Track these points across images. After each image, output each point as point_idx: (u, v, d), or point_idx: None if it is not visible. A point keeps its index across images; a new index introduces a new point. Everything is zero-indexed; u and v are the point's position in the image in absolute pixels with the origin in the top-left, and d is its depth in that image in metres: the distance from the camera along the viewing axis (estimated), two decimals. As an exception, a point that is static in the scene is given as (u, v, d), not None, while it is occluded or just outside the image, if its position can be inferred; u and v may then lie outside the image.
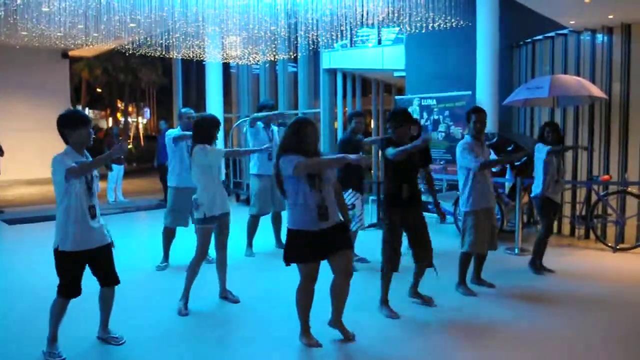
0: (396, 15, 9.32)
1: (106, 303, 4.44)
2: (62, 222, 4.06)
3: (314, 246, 4.17)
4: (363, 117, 6.83)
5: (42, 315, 4.24)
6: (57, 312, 4.19)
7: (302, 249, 4.19)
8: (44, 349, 4.19)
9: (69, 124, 4.09)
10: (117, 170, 12.52)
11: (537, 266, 6.51)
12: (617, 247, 7.56)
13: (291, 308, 5.06)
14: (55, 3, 8.85)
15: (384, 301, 5.09)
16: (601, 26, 8.55)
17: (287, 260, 4.26)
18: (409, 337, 4.56)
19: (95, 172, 4.22)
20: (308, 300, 4.32)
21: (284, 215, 7.74)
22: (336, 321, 4.45)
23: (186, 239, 6.56)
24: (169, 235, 6.83)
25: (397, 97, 11.28)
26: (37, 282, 6.01)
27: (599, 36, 8.66)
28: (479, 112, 5.69)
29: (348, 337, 4.42)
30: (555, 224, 8.36)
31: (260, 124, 7.62)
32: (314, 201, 4.14)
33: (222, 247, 5.43)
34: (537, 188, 6.50)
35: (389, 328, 4.74)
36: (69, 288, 4.15)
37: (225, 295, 5.49)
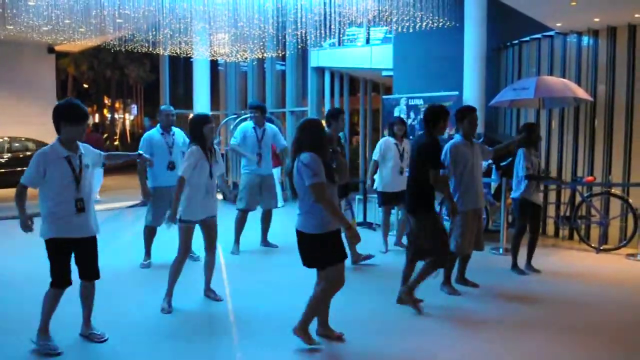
0: (385, 14, 9.34)
1: (87, 298, 4.40)
2: (43, 212, 4.10)
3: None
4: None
5: (27, 309, 4.20)
6: (49, 303, 4.18)
7: (339, 248, 4.18)
8: (33, 339, 4.16)
9: (67, 118, 4.08)
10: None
11: (517, 267, 6.56)
12: (601, 247, 7.64)
13: (274, 307, 5.08)
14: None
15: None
16: (587, 29, 8.62)
17: (329, 263, 4.16)
18: (393, 337, 4.58)
19: (87, 162, 4.22)
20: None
21: (276, 213, 7.84)
22: (325, 328, 4.45)
23: (169, 237, 6.53)
24: (150, 233, 6.80)
25: (384, 96, 11.30)
26: (25, 277, 5.97)
27: (585, 39, 8.73)
28: (473, 112, 5.73)
29: (338, 338, 4.40)
30: (541, 224, 8.41)
31: (250, 124, 7.62)
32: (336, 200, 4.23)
33: (209, 248, 5.39)
34: (515, 190, 6.58)
35: (372, 328, 4.75)
36: (58, 277, 4.15)
37: (208, 294, 5.47)
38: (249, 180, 7.51)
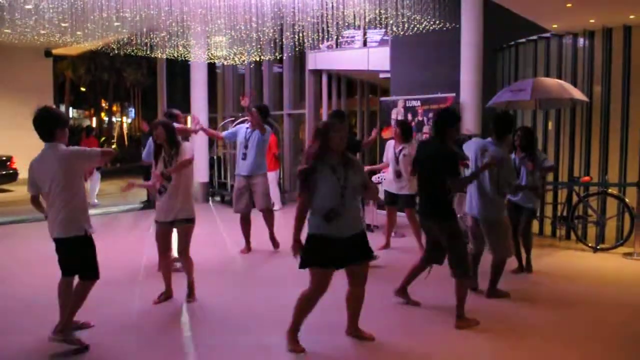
0: (382, 17, 9.37)
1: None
2: (84, 208, 4.30)
3: (333, 253, 4.10)
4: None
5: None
6: (84, 296, 4.32)
7: (320, 254, 4.11)
8: (58, 337, 4.20)
9: (62, 122, 4.25)
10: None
11: (520, 266, 6.61)
12: (598, 247, 7.67)
13: (278, 311, 5.08)
14: (42, 3, 8.79)
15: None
16: (582, 30, 8.66)
17: (304, 264, 4.15)
18: (393, 336, 4.61)
19: None
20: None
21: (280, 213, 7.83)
22: (355, 328, 4.46)
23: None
24: None
25: (382, 98, 11.34)
26: (20, 282, 5.98)
27: (581, 40, 8.78)
28: None
29: (368, 338, 4.44)
30: (537, 224, 8.42)
31: (247, 124, 7.65)
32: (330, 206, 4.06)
33: (180, 252, 5.37)
34: None
35: (371, 328, 4.76)
36: (97, 268, 4.36)
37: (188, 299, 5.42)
38: (236, 183, 7.64)
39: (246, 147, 7.47)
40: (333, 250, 4.08)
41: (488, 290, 5.62)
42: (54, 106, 4.37)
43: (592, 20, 8.27)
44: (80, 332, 4.49)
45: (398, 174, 7.43)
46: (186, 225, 5.28)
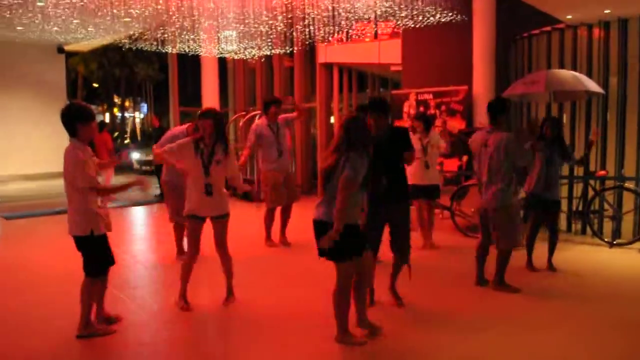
0: (393, 9, 9.29)
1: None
2: (87, 209, 4.22)
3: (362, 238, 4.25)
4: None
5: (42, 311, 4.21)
6: (96, 291, 4.39)
7: (357, 242, 4.17)
8: (82, 333, 4.29)
9: (82, 118, 4.22)
10: None
11: (530, 263, 6.48)
12: (614, 242, 7.56)
13: (295, 305, 5.05)
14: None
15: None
16: (598, 21, 8.53)
17: (346, 256, 4.11)
18: (401, 331, 4.56)
19: None
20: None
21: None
22: (364, 320, 4.42)
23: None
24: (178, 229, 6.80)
25: (393, 91, 11.25)
26: (37, 276, 6.00)
27: (596, 31, 8.64)
28: None
29: (377, 330, 4.42)
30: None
31: (262, 122, 7.51)
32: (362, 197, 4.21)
33: (217, 248, 5.18)
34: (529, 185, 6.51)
35: (382, 321, 4.72)
36: (104, 265, 4.38)
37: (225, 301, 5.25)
38: (274, 179, 7.43)
39: (279, 143, 7.41)
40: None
41: (494, 281, 5.59)
42: (81, 102, 4.31)
43: (607, 11, 8.14)
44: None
45: (427, 165, 7.39)
46: (223, 220, 5.15)
